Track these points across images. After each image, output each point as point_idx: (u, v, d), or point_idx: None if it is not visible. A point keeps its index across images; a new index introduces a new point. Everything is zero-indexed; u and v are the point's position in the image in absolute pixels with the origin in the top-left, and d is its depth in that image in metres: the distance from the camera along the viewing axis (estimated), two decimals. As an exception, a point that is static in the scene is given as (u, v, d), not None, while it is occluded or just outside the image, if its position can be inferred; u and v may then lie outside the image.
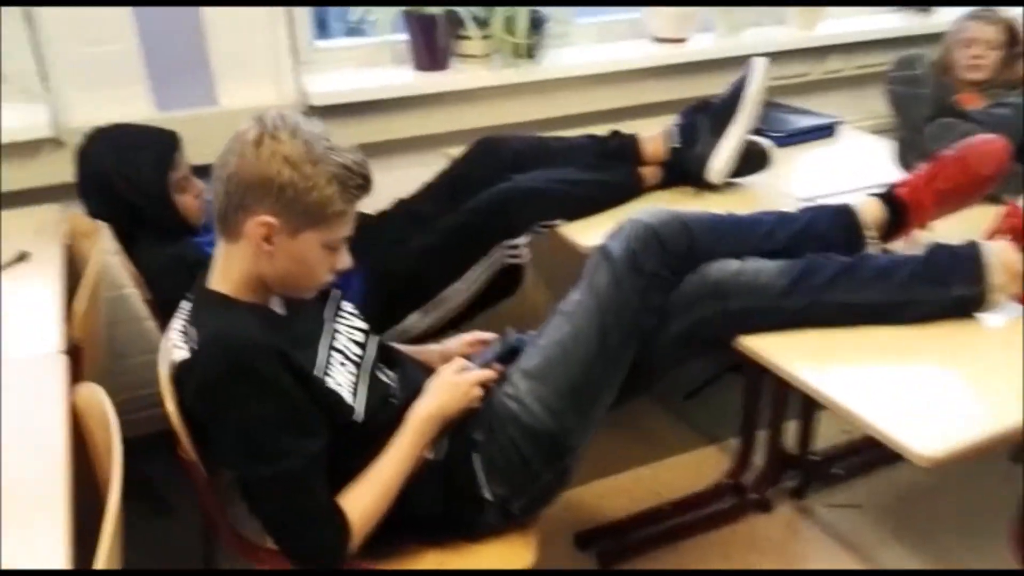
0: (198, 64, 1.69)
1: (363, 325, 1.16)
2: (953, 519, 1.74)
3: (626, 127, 2.07)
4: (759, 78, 1.58)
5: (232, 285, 0.99)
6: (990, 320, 1.14)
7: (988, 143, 1.28)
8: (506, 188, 1.47)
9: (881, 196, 1.31)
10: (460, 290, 1.45)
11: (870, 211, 1.28)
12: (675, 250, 1.13)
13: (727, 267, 1.13)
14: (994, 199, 1.54)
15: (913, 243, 1.26)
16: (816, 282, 1.12)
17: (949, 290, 1.13)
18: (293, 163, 0.94)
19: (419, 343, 1.48)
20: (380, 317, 1.46)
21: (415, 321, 1.46)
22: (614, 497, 1.83)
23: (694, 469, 1.92)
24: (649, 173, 1.63)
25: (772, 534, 1.74)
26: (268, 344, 0.93)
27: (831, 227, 1.24)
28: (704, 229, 1.16)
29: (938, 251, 1.16)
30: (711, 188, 1.63)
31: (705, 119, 1.61)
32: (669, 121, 1.66)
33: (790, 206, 1.56)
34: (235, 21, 1.71)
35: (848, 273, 1.14)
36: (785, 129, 1.91)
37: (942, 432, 0.93)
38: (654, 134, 1.64)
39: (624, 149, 1.63)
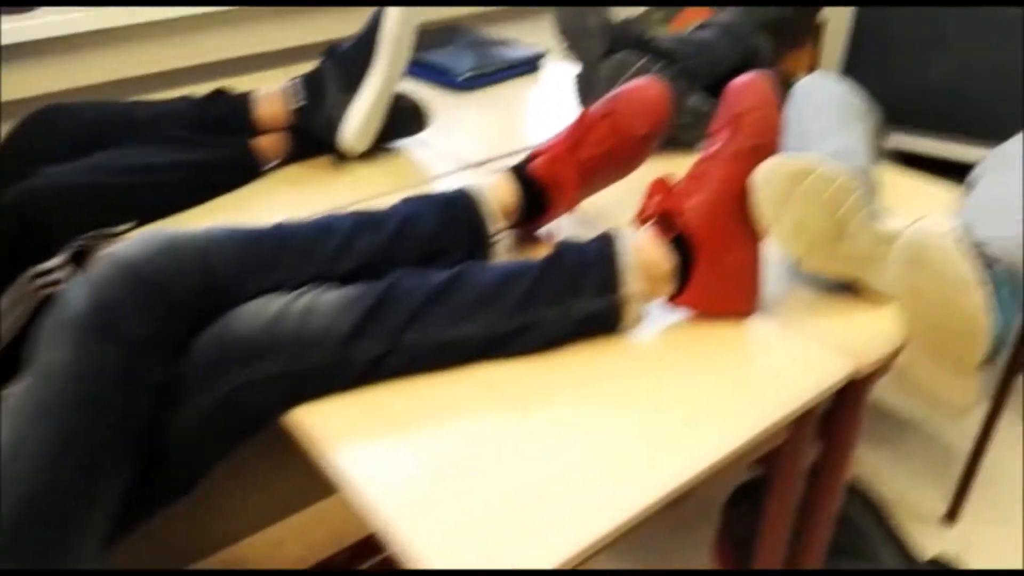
0: None
1: None
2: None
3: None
4: (400, 11, 1.22)
5: None
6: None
7: (641, 91, 0.99)
8: (28, 189, 1.05)
9: (516, 171, 1.00)
10: (-17, 338, 1.04)
11: (499, 194, 0.97)
12: (178, 295, 0.76)
13: (263, 312, 0.78)
14: (688, 146, 1.29)
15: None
16: (397, 317, 0.80)
17: (572, 306, 0.84)
18: None
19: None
20: None
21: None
22: (291, 544, 1.50)
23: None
24: (270, 143, 1.25)
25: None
26: None
27: (440, 223, 0.92)
28: (232, 254, 0.80)
29: (564, 253, 0.87)
30: (356, 159, 1.28)
31: (333, 69, 1.24)
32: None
33: (443, 176, 1.25)
34: None
35: (443, 297, 0.82)
36: (469, 69, 1.57)
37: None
38: (272, 90, 1.26)
39: (231, 114, 1.24)
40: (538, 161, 0.98)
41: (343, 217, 0.89)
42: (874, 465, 1.83)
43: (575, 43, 1.25)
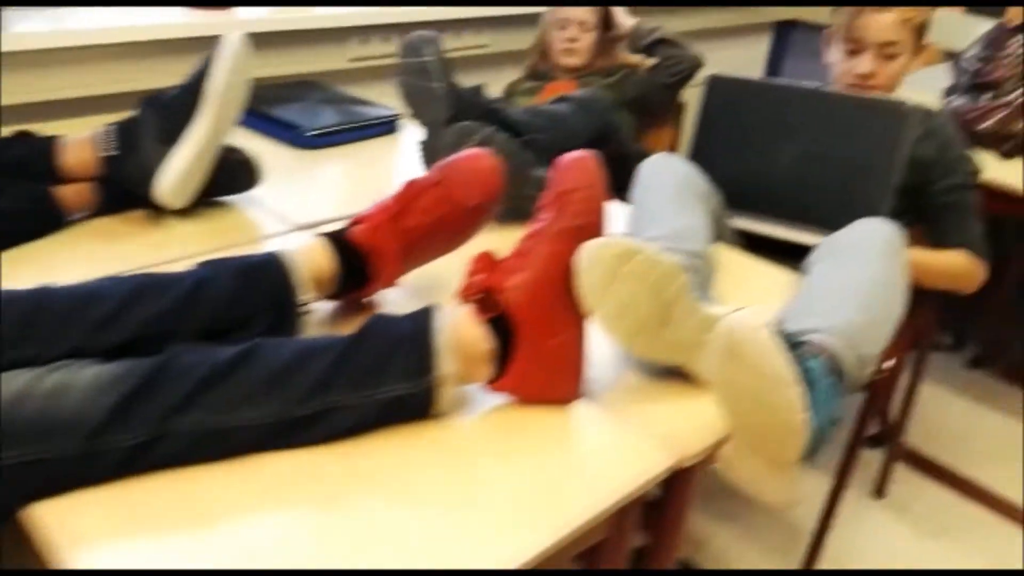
0: None
1: None
2: None
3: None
4: (230, 61, 1.14)
5: None
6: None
7: (473, 160, 0.94)
8: None
9: (333, 237, 0.92)
10: None
11: (313, 261, 0.89)
12: None
13: (2, 389, 0.67)
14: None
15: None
16: (166, 400, 0.70)
17: (378, 389, 0.76)
18: None
19: None
20: None
21: None
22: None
23: None
24: (76, 193, 1.13)
25: None
26: None
27: (238, 291, 0.83)
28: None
29: (373, 330, 0.79)
30: (176, 214, 1.17)
31: (153, 117, 1.14)
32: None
33: (272, 237, 1.17)
34: None
35: (226, 377, 0.73)
36: (318, 126, 1.50)
37: None
38: (82, 136, 1.14)
39: (33, 158, 1.11)
40: (358, 228, 0.91)
41: (123, 280, 0.79)
42: (722, 543, 1.81)
43: (418, 108, 1.20)
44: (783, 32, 3.01)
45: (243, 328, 0.82)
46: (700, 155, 1.38)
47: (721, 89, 1.36)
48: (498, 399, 0.85)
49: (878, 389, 1.63)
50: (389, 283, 0.93)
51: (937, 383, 2.39)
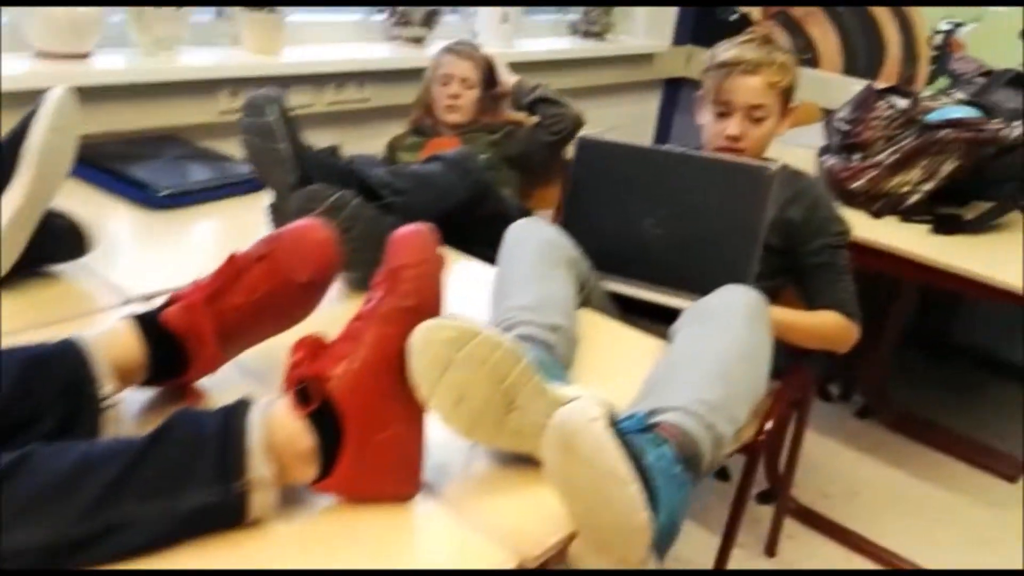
0: None
1: None
2: None
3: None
4: (52, 119, 1.04)
5: None
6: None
7: (305, 231, 0.87)
8: None
9: (143, 320, 0.83)
10: None
11: (116, 347, 0.80)
12: None
13: None
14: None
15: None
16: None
17: (179, 499, 0.67)
18: None
19: None
20: None
21: None
22: None
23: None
24: None
25: None
26: None
27: (20, 385, 0.73)
28: None
29: (175, 428, 0.71)
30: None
31: (-41, 179, 1.03)
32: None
33: (102, 311, 1.06)
34: None
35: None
36: (173, 185, 1.40)
37: None
38: None
39: None
40: (172, 308, 0.83)
41: None
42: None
43: (264, 170, 1.13)
44: (672, 89, 3.07)
45: (29, 428, 0.72)
46: (572, 216, 1.35)
47: (590, 151, 1.34)
48: (327, 499, 0.77)
49: (761, 448, 1.61)
50: (208, 369, 0.84)
51: (827, 434, 2.41)
